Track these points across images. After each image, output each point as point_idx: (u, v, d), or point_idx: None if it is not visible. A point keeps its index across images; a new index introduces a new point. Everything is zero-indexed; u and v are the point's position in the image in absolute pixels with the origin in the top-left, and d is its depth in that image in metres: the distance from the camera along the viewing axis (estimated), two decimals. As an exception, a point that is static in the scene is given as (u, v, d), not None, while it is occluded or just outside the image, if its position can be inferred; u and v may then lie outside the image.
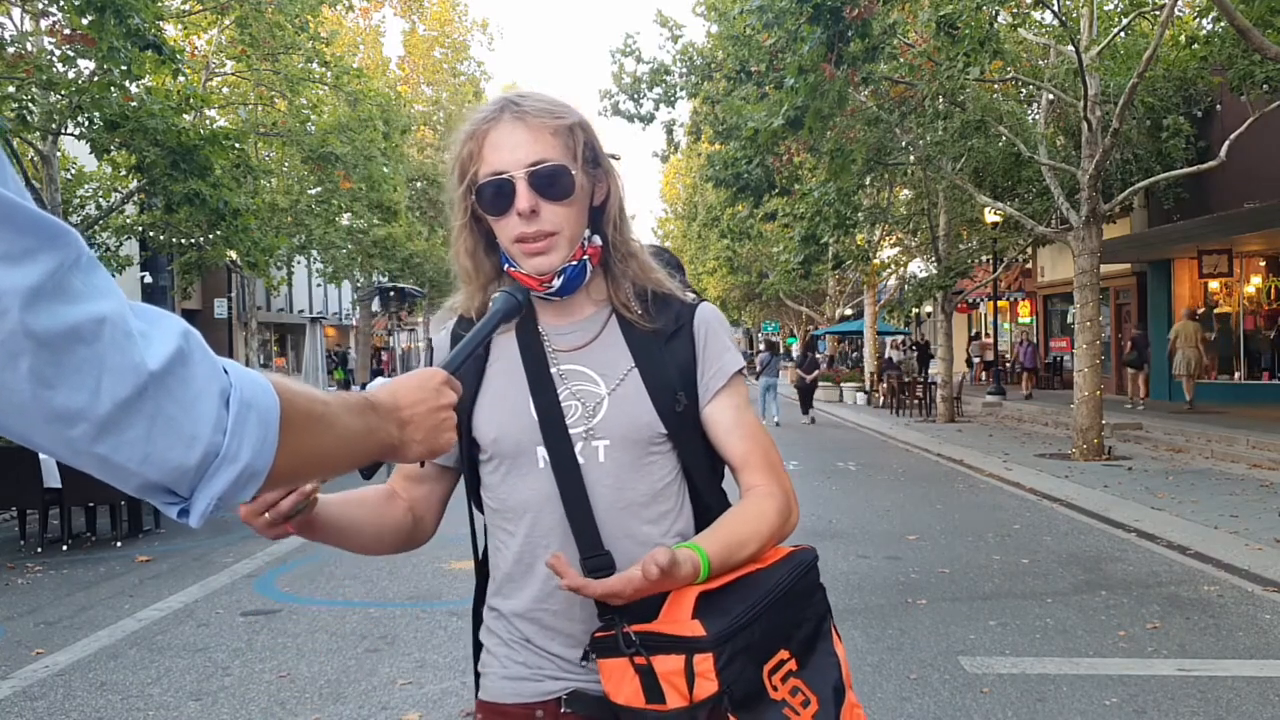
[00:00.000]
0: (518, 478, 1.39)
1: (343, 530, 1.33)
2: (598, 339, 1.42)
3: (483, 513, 1.47)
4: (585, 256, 1.39)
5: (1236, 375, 18.51)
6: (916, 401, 21.43)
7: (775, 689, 1.23)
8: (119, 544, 8.29)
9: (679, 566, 1.19)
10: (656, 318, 1.42)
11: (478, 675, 1.48)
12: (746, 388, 1.49)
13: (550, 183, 1.32)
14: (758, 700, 1.21)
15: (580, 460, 1.35)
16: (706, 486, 1.43)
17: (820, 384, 27.63)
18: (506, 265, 1.40)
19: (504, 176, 1.32)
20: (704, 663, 1.17)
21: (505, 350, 1.43)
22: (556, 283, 1.37)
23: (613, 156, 1.42)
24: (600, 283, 1.44)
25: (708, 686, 1.16)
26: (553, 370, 1.39)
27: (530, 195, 1.31)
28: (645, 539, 1.35)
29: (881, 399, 24.45)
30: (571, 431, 1.36)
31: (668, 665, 1.18)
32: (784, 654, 1.27)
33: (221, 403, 0.74)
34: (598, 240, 1.41)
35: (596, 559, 1.32)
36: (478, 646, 1.49)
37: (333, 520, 1.30)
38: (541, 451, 1.36)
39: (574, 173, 1.34)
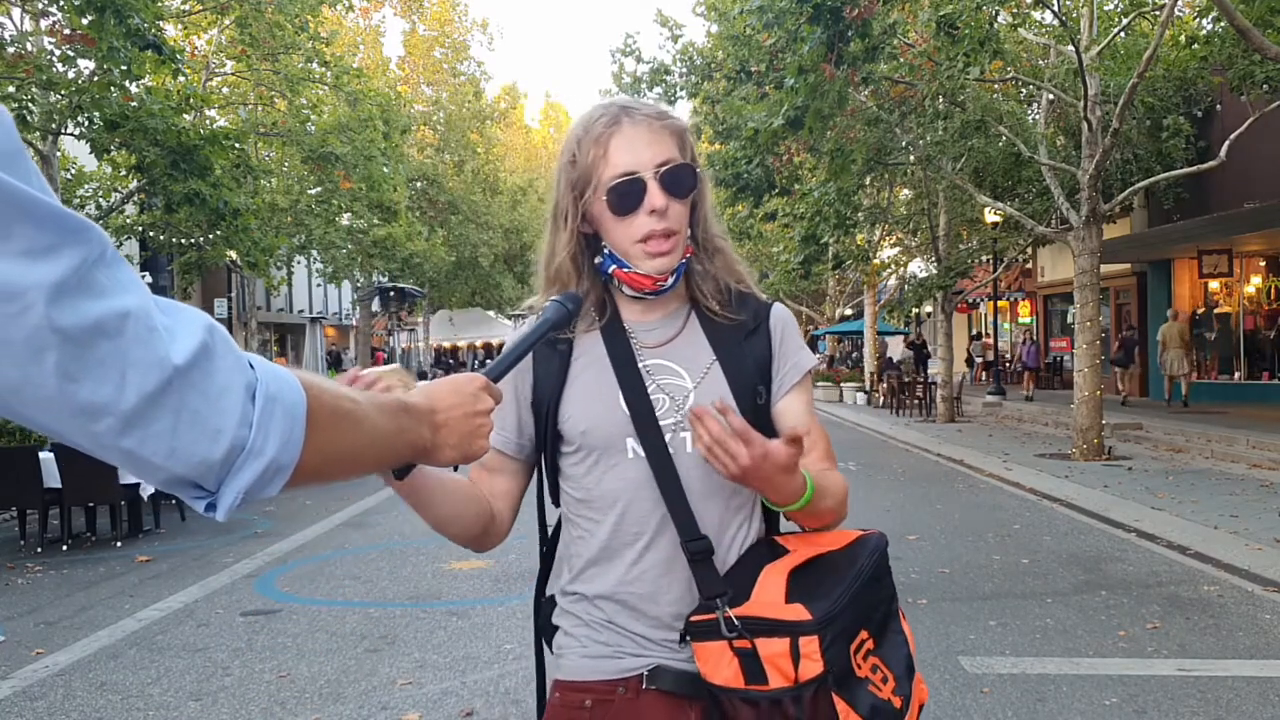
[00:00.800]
0: (605, 468, 1.42)
1: (431, 490, 1.33)
2: (681, 334, 1.47)
3: (557, 505, 1.51)
4: (688, 255, 1.45)
5: (1236, 375, 18.54)
6: (916, 401, 21.43)
7: (859, 667, 1.29)
8: (119, 544, 8.28)
9: (797, 461, 1.28)
10: (738, 313, 1.48)
11: (541, 659, 1.53)
12: (812, 385, 1.55)
13: (677, 181, 1.39)
14: (848, 678, 1.27)
15: (670, 451, 1.40)
16: None
17: (819, 384, 27.63)
18: (615, 267, 1.43)
19: (635, 176, 1.36)
20: (809, 645, 1.23)
21: (590, 347, 1.46)
22: (670, 280, 1.42)
23: None
24: (682, 278, 1.48)
25: (813, 667, 1.23)
26: (640, 365, 1.44)
27: (662, 194, 1.37)
28: (727, 527, 1.41)
29: (881, 399, 24.44)
30: (661, 424, 1.40)
31: (772, 648, 1.24)
32: (864, 634, 1.33)
33: (247, 397, 0.74)
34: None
35: (696, 542, 1.36)
36: (545, 632, 1.52)
37: (428, 474, 1.31)
38: (631, 443, 1.41)
39: (697, 170, 1.42)
